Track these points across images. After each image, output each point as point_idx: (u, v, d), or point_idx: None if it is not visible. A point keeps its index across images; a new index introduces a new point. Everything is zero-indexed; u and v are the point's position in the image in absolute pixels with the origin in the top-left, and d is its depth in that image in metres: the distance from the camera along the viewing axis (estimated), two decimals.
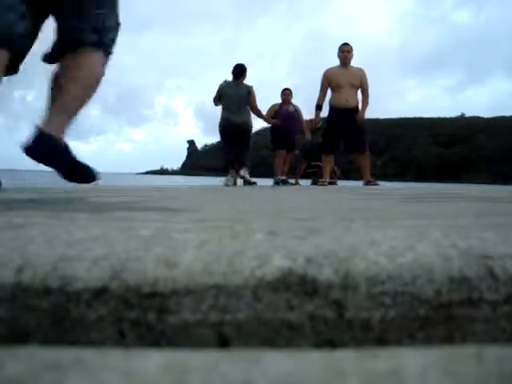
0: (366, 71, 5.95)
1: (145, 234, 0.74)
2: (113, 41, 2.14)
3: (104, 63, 2.11)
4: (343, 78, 5.75)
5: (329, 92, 5.91)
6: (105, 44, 2.09)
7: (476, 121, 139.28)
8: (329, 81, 5.81)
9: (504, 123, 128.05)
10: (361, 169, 5.91)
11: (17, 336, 0.51)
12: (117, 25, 2.13)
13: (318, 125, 6.16)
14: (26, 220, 0.97)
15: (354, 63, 5.88)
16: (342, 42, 6.00)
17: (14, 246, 0.62)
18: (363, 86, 5.86)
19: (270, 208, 1.68)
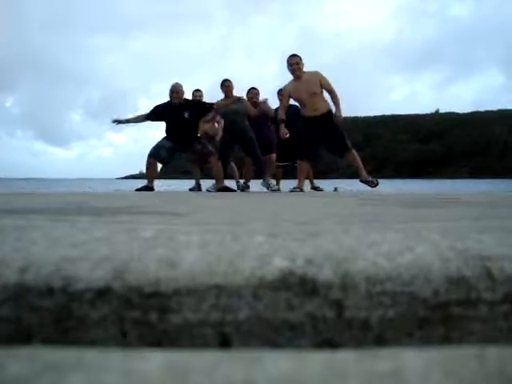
0: (321, 71, 5.45)
1: (146, 235, 0.74)
2: None
3: None
4: (301, 90, 5.43)
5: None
6: None
7: (452, 116, 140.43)
8: (290, 96, 5.58)
9: (478, 118, 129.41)
10: (354, 168, 5.78)
11: (20, 335, 0.51)
12: None
13: (287, 136, 5.90)
14: (28, 222, 0.97)
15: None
16: (290, 54, 5.57)
17: (17, 246, 0.62)
18: (326, 88, 5.54)
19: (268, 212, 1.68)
